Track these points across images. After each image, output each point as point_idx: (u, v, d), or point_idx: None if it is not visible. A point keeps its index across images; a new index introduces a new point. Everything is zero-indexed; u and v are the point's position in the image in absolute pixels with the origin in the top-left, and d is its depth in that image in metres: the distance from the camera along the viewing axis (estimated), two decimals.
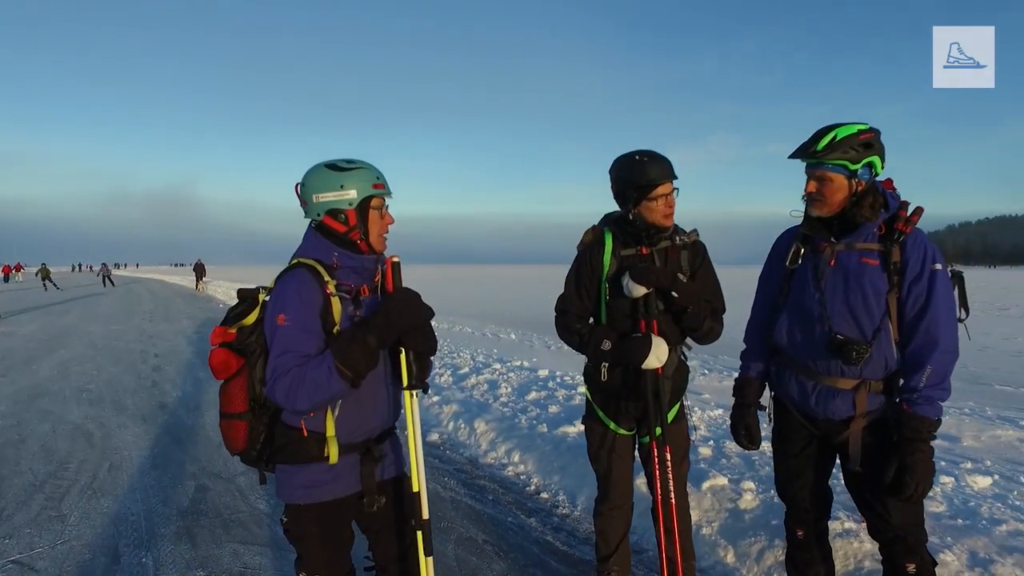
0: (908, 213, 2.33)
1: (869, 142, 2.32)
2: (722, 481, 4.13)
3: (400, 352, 2.02)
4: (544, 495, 4.72)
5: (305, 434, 1.97)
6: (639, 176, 2.66)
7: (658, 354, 2.65)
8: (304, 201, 2.04)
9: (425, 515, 2.06)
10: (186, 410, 7.44)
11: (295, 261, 2.02)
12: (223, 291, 33.54)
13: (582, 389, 4.79)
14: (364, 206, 2.01)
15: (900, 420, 2.29)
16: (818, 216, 2.45)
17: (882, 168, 2.38)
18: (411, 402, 2.07)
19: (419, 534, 2.07)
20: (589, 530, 4.07)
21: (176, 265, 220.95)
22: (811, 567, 2.69)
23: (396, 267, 2.04)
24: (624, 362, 2.71)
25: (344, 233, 2.01)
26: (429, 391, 3.18)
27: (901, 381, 2.35)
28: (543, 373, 8.47)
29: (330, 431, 1.98)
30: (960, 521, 3.39)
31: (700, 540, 3.70)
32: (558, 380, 7.89)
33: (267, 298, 2.02)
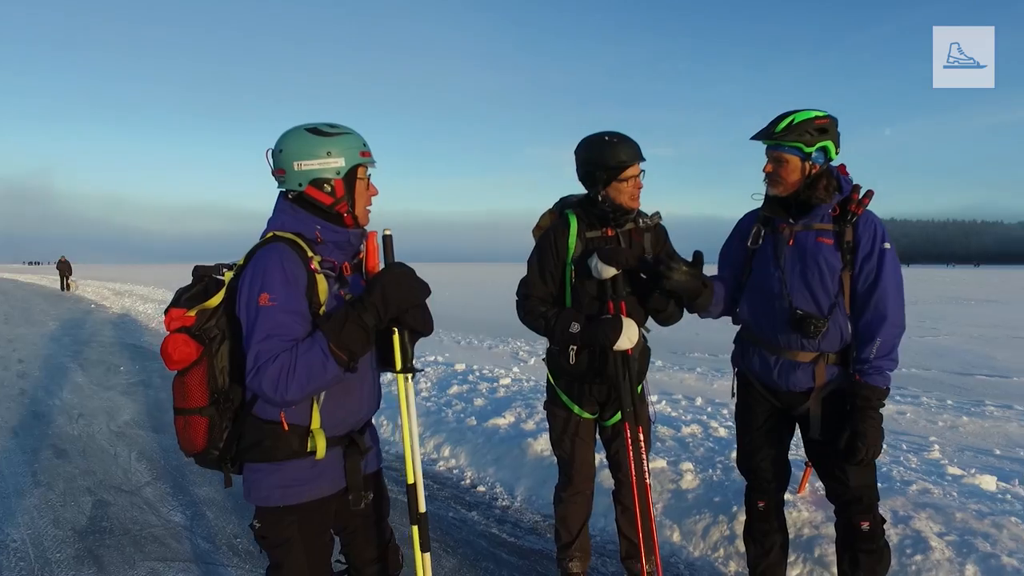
0: (860, 196, 2.49)
1: (824, 127, 2.48)
2: (661, 464, 4.24)
3: (392, 332, 1.88)
4: (481, 488, 4.64)
5: (286, 428, 1.78)
6: (610, 157, 2.64)
7: (629, 335, 2.64)
8: (280, 169, 1.84)
9: (422, 508, 1.94)
10: (68, 419, 6.65)
11: (270, 235, 1.82)
12: (94, 291, 30.45)
13: (521, 380, 4.75)
14: (351, 176, 1.86)
15: (852, 390, 2.45)
16: (775, 196, 2.60)
17: (836, 153, 2.55)
18: (405, 387, 1.93)
19: (415, 529, 1.94)
20: (533, 520, 4.05)
21: (31, 263, 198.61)
22: (769, 536, 2.82)
23: (388, 240, 1.90)
24: (594, 344, 2.68)
25: (330, 205, 1.85)
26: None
27: (853, 353, 2.51)
28: (460, 367, 8.36)
29: (315, 423, 1.80)
30: (880, 484, 3.69)
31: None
32: (477, 374, 7.82)
33: (233, 276, 1.81)
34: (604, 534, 3.74)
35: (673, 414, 5.77)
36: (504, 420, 5.52)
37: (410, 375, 1.93)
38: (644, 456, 2.79)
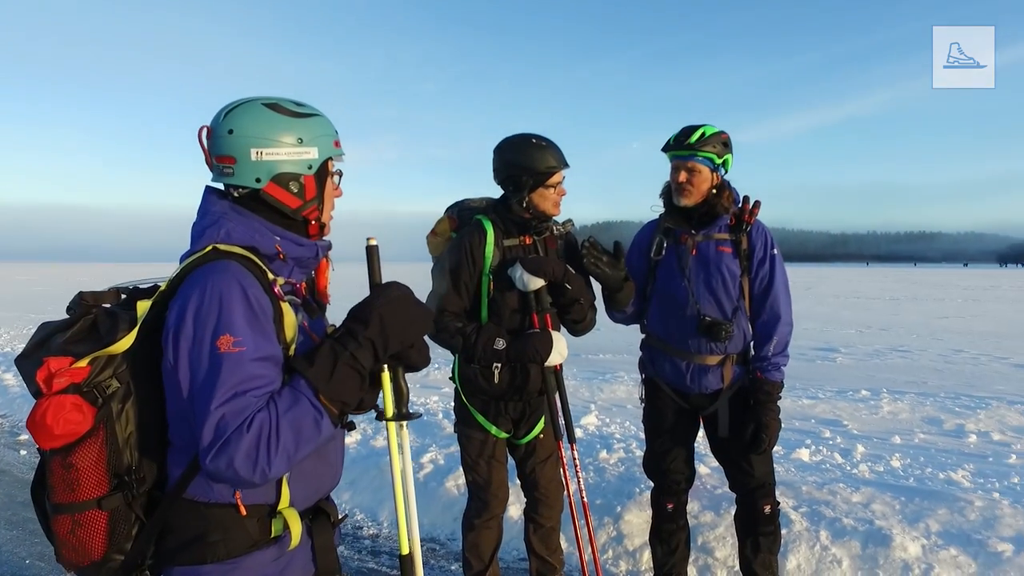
0: (751, 206, 2.70)
1: (727, 142, 2.69)
2: None
3: (380, 369, 1.44)
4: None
5: (243, 511, 1.32)
6: (538, 162, 2.50)
7: (560, 350, 2.54)
8: (227, 156, 1.37)
9: None
10: None
11: (210, 248, 1.33)
12: None
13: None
14: (323, 172, 1.45)
15: (754, 386, 2.67)
16: (683, 206, 2.72)
17: (729, 168, 2.74)
18: (398, 436, 1.54)
19: None
20: (423, 548, 3.75)
21: None
22: (675, 535, 2.95)
23: (373, 253, 1.49)
24: (523, 361, 2.53)
25: (296, 209, 1.41)
26: None
27: (752, 352, 2.74)
28: None
29: (285, 499, 1.36)
30: None
31: None
32: None
33: (153, 308, 1.30)
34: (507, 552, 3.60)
35: None
36: (350, 439, 5.08)
37: (403, 422, 1.55)
38: (579, 473, 2.73)
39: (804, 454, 4.54)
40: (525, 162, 2.51)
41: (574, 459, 2.73)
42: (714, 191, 2.67)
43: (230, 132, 1.36)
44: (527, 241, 2.62)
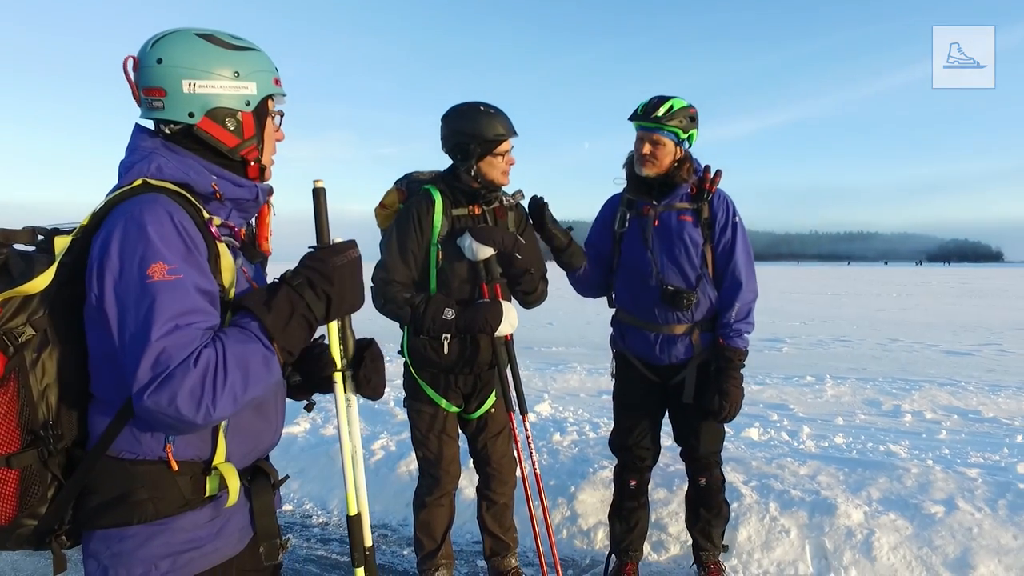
0: (712, 175, 2.71)
1: (694, 116, 2.69)
2: None
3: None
4: (288, 507, 4.07)
5: (175, 467, 1.23)
6: (487, 129, 2.45)
7: (510, 320, 2.52)
8: (156, 88, 1.27)
9: (368, 541, 1.52)
10: None
11: (139, 182, 1.23)
12: None
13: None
14: (262, 110, 1.36)
15: (717, 352, 2.67)
16: (645, 176, 2.71)
17: (694, 142, 2.75)
18: (345, 388, 1.47)
19: (361, 573, 1.50)
20: (373, 535, 3.66)
21: None
22: (635, 513, 2.96)
23: (320, 196, 1.41)
24: (473, 331, 2.49)
25: (233, 148, 1.33)
26: None
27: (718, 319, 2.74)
28: None
29: (221, 454, 1.28)
30: None
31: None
32: None
33: (73, 243, 1.20)
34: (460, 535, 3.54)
35: None
36: (299, 427, 4.94)
37: (350, 373, 1.49)
38: (531, 445, 2.70)
39: (753, 433, 4.64)
40: (473, 129, 2.46)
41: (526, 431, 2.69)
42: (676, 164, 2.69)
43: (159, 62, 1.27)
44: (476, 211, 2.57)
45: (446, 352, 2.55)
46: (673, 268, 2.71)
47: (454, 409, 2.69)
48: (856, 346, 11.55)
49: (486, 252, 2.48)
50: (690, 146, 2.74)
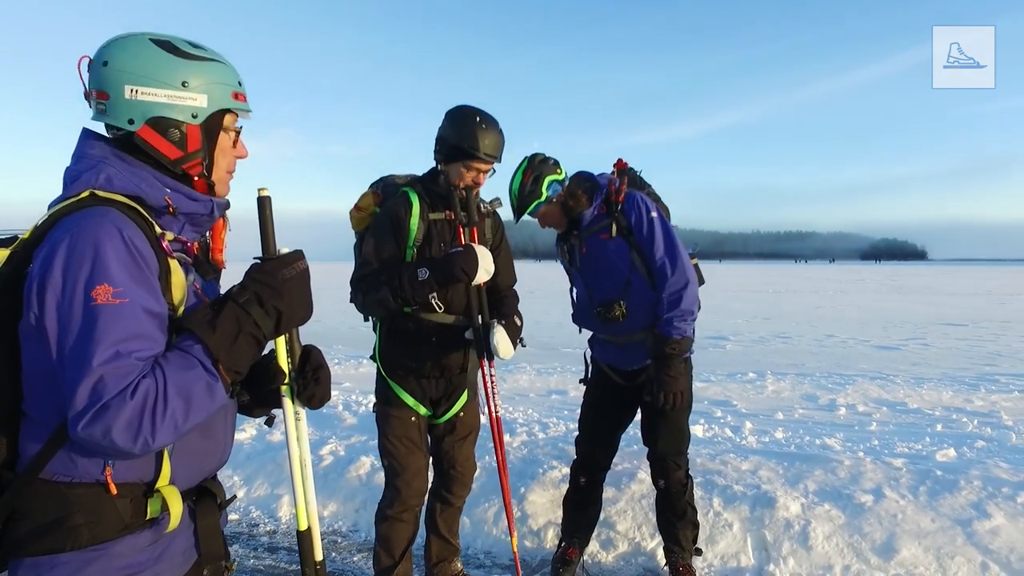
0: (615, 187, 2.79)
1: (534, 176, 2.77)
2: None
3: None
4: (234, 516, 3.96)
5: (114, 491, 1.17)
6: (470, 139, 2.42)
7: (486, 266, 2.42)
8: (102, 92, 1.23)
9: (319, 555, 1.50)
10: None
11: (86, 193, 1.18)
12: None
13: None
14: (214, 124, 1.30)
15: (653, 343, 2.74)
16: (561, 232, 2.94)
17: (562, 173, 2.83)
18: (292, 402, 1.44)
19: None
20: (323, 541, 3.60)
21: None
22: (582, 507, 3.06)
23: (265, 205, 1.35)
24: (451, 282, 2.42)
25: (175, 161, 1.27)
26: None
27: None
28: None
29: (165, 477, 1.23)
30: (636, 447, 4.23)
31: None
32: None
33: (12, 257, 1.14)
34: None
35: None
36: (245, 434, 4.81)
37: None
38: (494, 391, 2.67)
39: (698, 430, 4.79)
40: (456, 133, 2.44)
41: (492, 382, 2.65)
42: (566, 207, 2.81)
43: (104, 64, 1.22)
44: (450, 216, 2.54)
45: (440, 308, 2.51)
46: (603, 284, 2.84)
47: (425, 412, 2.65)
48: (795, 342, 12.03)
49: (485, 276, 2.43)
50: (564, 181, 2.81)
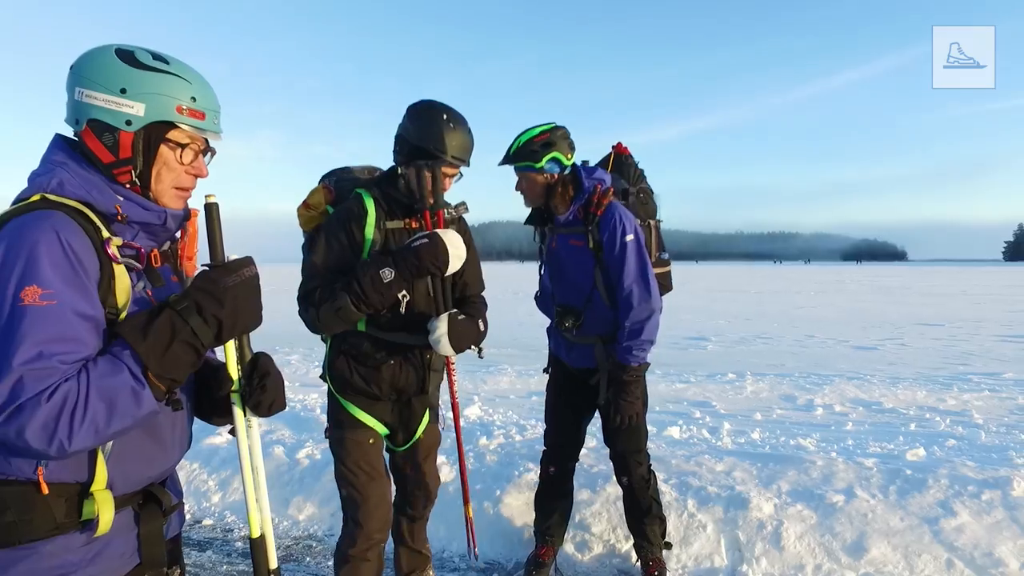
0: (597, 198, 2.70)
1: (547, 141, 2.67)
2: None
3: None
4: (208, 521, 3.92)
5: (45, 490, 1.18)
6: (435, 140, 2.17)
7: (457, 251, 2.18)
8: (68, 94, 1.29)
9: (273, 564, 1.49)
10: None
11: (37, 197, 1.21)
12: None
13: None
14: (154, 136, 1.29)
15: (614, 367, 2.77)
16: (532, 207, 2.86)
17: (569, 158, 2.74)
18: (243, 408, 1.43)
19: None
20: (285, 546, 3.58)
21: None
22: (553, 501, 3.10)
23: (212, 212, 1.35)
24: (422, 276, 2.19)
25: (108, 165, 1.28)
26: None
27: None
28: None
29: (100, 480, 1.23)
30: None
31: None
32: None
33: None
34: None
35: None
36: (222, 438, 4.75)
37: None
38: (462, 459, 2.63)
39: (675, 431, 4.83)
40: (420, 134, 2.18)
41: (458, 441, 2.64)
42: (549, 189, 2.73)
43: (71, 69, 1.28)
44: (413, 224, 2.29)
45: (403, 311, 2.25)
46: (564, 289, 2.87)
47: (384, 431, 2.42)
48: (776, 343, 12.16)
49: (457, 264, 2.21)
50: (564, 169, 2.73)
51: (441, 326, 2.21)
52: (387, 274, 2.11)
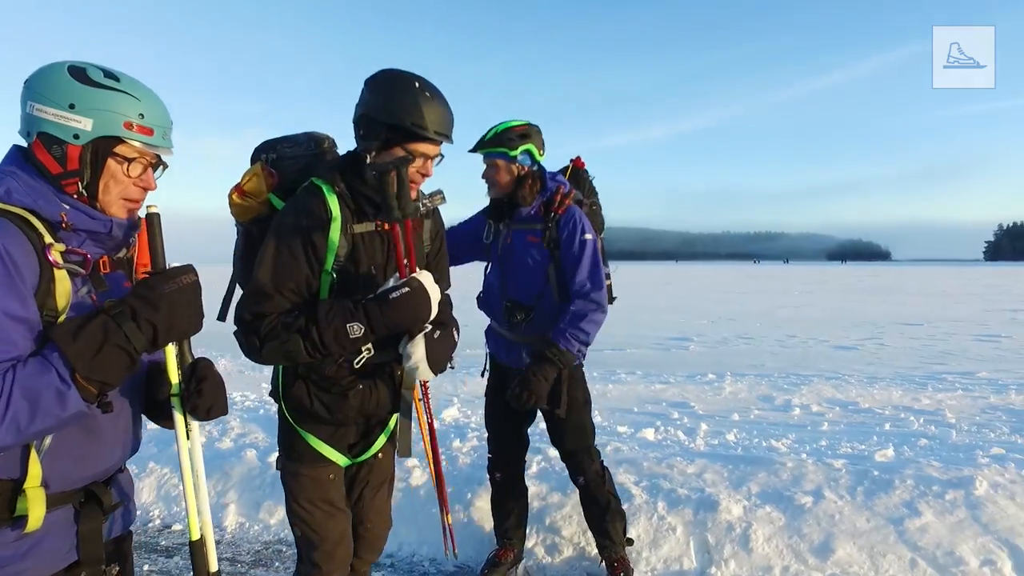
0: (561, 196, 2.79)
1: (524, 133, 2.76)
2: None
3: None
4: (177, 526, 3.88)
5: None
6: (412, 113, 1.76)
7: (435, 296, 1.87)
8: (22, 107, 1.35)
9: (213, 566, 1.50)
10: None
11: None
12: None
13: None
14: (101, 150, 1.34)
15: (541, 343, 2.76)
16: (494, 197, 2.87)
17: (541, 155, 2.82)
18: (183, 410, 1.47)
19: None
20: (253, 550, 3.56)
21: None
22: (506, 505, 3.12)
23: (153, 222, 1.40)
24: (400, 332, 1.87)
25: (56, 176, 1.33)
26: None
27: None
28: None
29: (33, 478, 1.26)
30: None
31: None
32: None
33: None
34: None
35: None
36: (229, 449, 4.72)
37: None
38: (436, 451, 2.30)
39: (649, 433, 4.84)
40: (392, 106, 1.77)
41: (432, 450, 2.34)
42: (517, 182, 2.77)
43: (25, 82, 1.33)
44: (384, 227, 1.91)
45: (358, 366, 1.92)
46: (517, 284, 2.87)
47: (345, 462, 2.08)
48: (758, 343, 12.25)
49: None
50: (534, 164, 2.80)
51: (417, 350, 1.86)
52: (355, 329, 1.77)
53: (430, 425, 2.26)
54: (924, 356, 10.53)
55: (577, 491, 3.29)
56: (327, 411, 1.95)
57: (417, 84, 1.80)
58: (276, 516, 3.87)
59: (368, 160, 1.82)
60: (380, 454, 2.17)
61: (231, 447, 4.59)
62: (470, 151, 2.84)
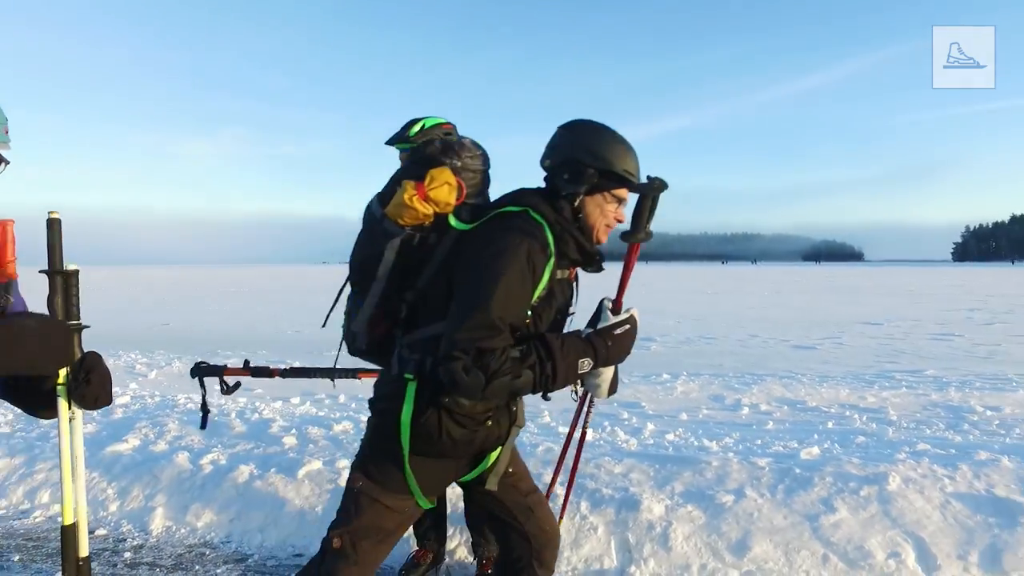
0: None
1: (451, 132, 2.59)
2: (316, 465, 4.12)
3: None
4: (101, 531, 3.80)
5: None
6: (619, 160, 1.87)
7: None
8: None
9: (84, 552, 1.55)
10: None
11: None
12: None
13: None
14: None
15: None
16: None
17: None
18: (66, 399, 1.54)
19: None
20: (176, 553, 3.50)
21: None
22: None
23: (55, 227, 1.52)
24: (617, 363, 1.94)
25: None
26: None
27: None
28: None
29: None
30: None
31: (305, 525, 3.65)
32: None
33: None
34: (280, 550, 3.45)
35: (320, 414, 5.65)
36: (127, 445, 4.63)
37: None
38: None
39: (589, 434, 4.85)
40: (602, 151, 1.86)
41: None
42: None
43: None
44: (571, 276, 1.98)
45: (471, 437, 1.87)
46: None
47: (428, 505, 1.98)
48: (720, 343, 12.39)
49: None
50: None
51: (607, 372, 1.92)
52: (585, 365, 1.77)
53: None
54: (879, 355, 10.75)
55: None
56: (453, 446, 1.86)
57: (618, 135, 1.92)
58: (203, 519, 3.82)
59: (577, 204, 1.89)
60: (499, 456, 2.04)
61: (165, 449, 4.52)
62: (389, 143, 2.58)
